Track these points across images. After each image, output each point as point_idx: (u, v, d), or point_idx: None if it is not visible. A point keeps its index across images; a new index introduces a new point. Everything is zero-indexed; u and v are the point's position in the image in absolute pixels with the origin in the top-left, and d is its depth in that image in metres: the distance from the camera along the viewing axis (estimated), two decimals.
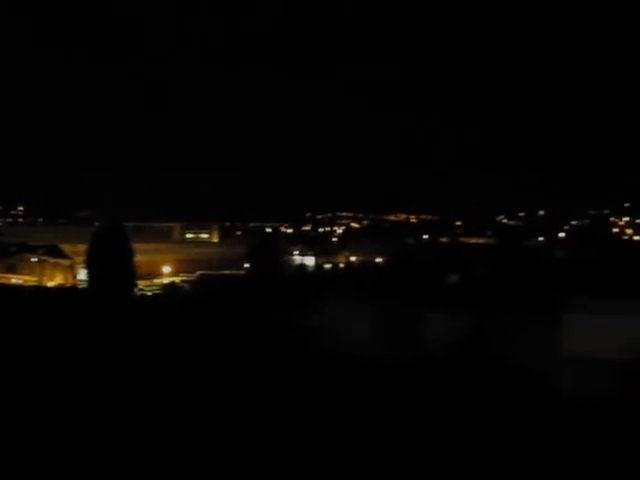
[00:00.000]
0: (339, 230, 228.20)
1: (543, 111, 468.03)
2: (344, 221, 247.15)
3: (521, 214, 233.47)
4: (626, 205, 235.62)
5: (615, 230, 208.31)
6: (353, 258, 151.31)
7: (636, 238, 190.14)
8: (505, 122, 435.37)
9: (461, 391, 33.43)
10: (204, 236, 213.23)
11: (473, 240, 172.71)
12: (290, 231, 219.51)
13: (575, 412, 29.04)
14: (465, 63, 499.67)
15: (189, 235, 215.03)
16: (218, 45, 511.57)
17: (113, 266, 63.96)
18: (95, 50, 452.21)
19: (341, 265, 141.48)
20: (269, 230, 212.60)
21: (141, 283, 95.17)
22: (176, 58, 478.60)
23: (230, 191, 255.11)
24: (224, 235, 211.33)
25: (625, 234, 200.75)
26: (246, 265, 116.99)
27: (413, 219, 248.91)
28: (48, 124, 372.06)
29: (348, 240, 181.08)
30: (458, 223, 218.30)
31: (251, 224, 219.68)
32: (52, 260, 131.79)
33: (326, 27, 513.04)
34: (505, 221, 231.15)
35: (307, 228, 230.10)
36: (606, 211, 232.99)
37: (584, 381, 36.92)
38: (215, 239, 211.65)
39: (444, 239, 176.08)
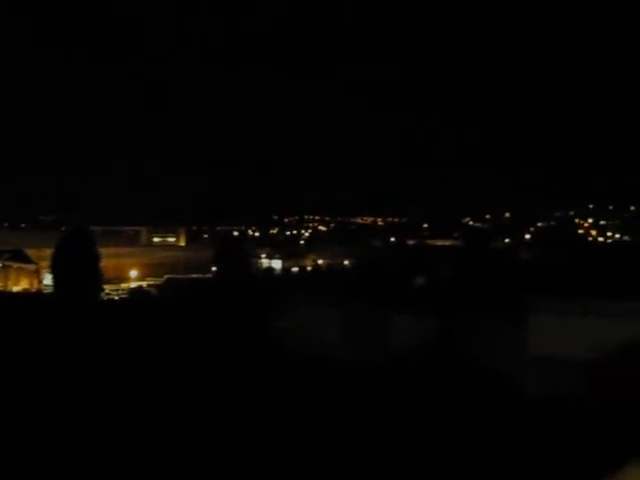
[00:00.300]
0: (306, 233, 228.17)
1: (510, 114, 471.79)
2: (311, 224, 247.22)
3: (487, 216, 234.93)
4: (590, 207, 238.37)
5: (580, 232, 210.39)
6: (320, 261, 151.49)
7: (600, 239, 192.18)
8: (476, 124, 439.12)
9: (429, 392, 33.65)
10: (171, 240, 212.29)
11: (440, 242, 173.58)
12: (257, 234, 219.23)
13: (540, 411, 29.35)
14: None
15: (156, 239, 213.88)
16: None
17: (79, 271, 63.45)
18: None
19: (308, 268, 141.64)
20: (236, 233, 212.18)
21: (108, 287, 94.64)
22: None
23: (197, 194, 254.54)
24: (191, 239, 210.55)
25: (590, 235, 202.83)
26: (213, 269, 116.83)
27: (380, 222, 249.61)
28: (13, 126, 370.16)
29: (315, 243, 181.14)
30: (425, 225, 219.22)
31: (218, 227, 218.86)
32: (16, 265, 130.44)
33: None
34: (471, 223, 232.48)
35: (274, 231, 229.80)
36: (571, 213, 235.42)
37: (549, 381, 37.32)
38: (182, 243, 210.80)
39: (411, 241, 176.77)
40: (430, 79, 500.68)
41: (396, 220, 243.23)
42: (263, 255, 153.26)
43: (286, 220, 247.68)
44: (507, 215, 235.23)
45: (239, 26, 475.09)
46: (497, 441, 23.90)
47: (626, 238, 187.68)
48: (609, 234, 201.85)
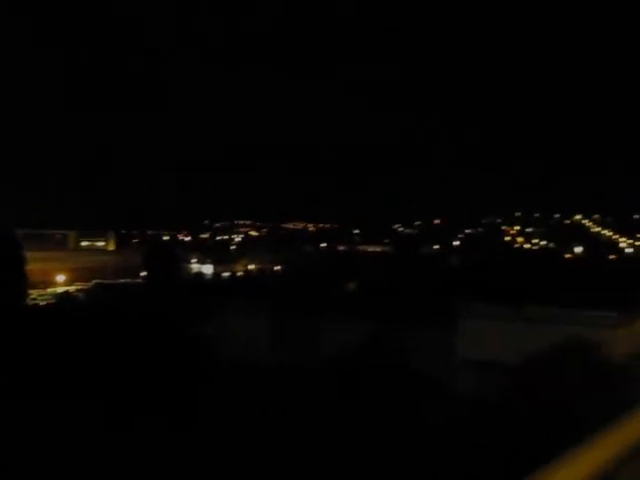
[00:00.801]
0: (238, 238, 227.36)
1: (438, 119, 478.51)
2: (242, 229, 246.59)
3: (417, 222, 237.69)
4: (517, 214, 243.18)
5: (507, 238, 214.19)
6: (251, 266, 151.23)
7: (526, 246, 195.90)
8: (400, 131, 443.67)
9: (358, 395, 33.89)
10: (100, 244, 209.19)
11: (370, 248, 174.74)
12: (188, 239, 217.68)
13: (469, 412, 29.80)
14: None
15: (84, 243, 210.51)
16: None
17: (3, 275, 62.19)
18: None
19: (239, 273, 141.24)
20: (166, 238, 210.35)
21: (34, 292, 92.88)
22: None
23: (127, 198, 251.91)
24: (121, 243, 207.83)
25: (516, 242, 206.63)
26: (143, 274, 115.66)
27: (311, 227, 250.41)
28: None
29: (246, 248, 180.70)
30: (356, 231, 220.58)
31: (148, 232, 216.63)
32: None
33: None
34: (402, 229, 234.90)
35: (205, 236, 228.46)
36: (498, 220, 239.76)
37: (478, 384, 37.97)
38: (111, 247, 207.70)
39: (342, 247, 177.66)
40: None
41: (327, 226, 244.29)
42: (194, 260, 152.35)
43: (217, 225, 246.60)
44: (436, 222, 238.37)
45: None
46: (426, 441, 24.25)
47: (551, 245, 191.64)
48: (535, 241, 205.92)
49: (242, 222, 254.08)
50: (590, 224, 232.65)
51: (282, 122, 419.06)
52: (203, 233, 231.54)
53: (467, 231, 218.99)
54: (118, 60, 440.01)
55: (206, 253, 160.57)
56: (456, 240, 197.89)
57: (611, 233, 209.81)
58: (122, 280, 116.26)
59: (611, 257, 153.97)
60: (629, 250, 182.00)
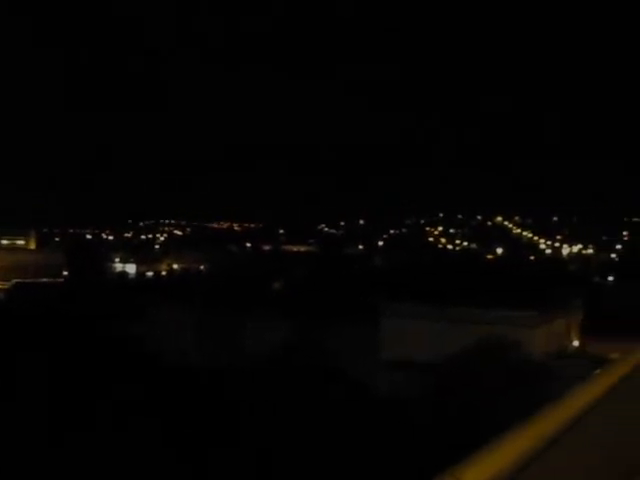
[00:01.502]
0: (162, 237, 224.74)
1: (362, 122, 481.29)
2: (167, 228, 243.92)
3: (342, 223, 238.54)
4: (440, 215, 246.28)
5: (430, 239, 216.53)
6: (176, 265, 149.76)
7: (449, 247, 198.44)
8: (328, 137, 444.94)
9: (284, 394, 34.00)
10: (20, 242, 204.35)
11: (295, 248, 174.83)
12: (111, 238, 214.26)
13: (391, 412, 30.19)
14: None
15: (4, 241, 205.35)
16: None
17: None
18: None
19: (163, 273, 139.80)
20: (89, 237, 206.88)
21: None
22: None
23: (49, 194, 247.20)
24: (42, 242, 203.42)
25: (439, 243, 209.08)
26: (65, 273, 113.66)
27: (236, 227, 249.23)
28: None
29: (171, 247, 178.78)
30: (281, 231, 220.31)
31: (70, 230, 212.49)
32: None
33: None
34: (327, 229, 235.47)
35: (129, 235, 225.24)
36: (422, 221, 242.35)
37: (400, 382, 38.45)
38: (32, 246, 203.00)
39: (267, 247, 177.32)
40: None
41: (252, 225, 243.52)
42: (117, 259, 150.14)
43: (141, 224, 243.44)
44: (361, 222, 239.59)
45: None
46: (347, 439, 24.51)
47: (473, 246, 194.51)
48: (457, 242, 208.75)
49: (167, 221, 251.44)
50: (511, 226, 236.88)
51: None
52: (127, 232, 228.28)
53: (391, 232, 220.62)
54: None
55: (130, 252, 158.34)
56: (380, 240, 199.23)
57: (531, 235, 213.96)
58: (43, 279, 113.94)
59: (531, 258, 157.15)
60: (548, 251, 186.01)
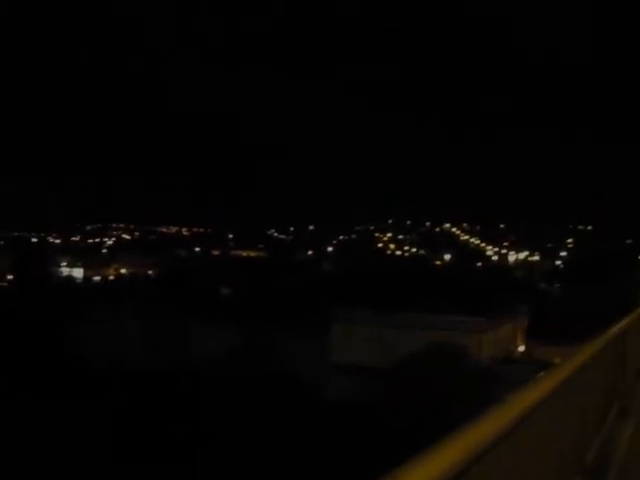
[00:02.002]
0: (110, 241, 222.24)
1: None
2: (115, 232, 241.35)
3: (291, 228, 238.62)
4: (389, 222, 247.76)
5: (379, 245, 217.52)
6: (123, 270, 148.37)
7: (398, 253, 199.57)
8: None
9: (231, 399, 33.98)
10: None
11: (245, 253, 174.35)
12: (58, 241, 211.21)
13: (338, 416, 30.31)
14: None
15: None
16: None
17: None
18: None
19: (111, 277, 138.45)
20: (35, 240, 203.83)
21: None
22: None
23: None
24: None
25: (388, 249, 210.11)
26: (9, 277, 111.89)
27: (185, 231, 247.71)
28: None
29: (119, 252, 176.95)
30: (230, 236, 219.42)
31: (15, 233, 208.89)
32: None
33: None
34: (276, 235, 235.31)
35: (76, 239, 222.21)
36: (371, 227, 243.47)
37: (349, 388, 38.65)
38: None
39: (216, 252, 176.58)
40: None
41: (201, 230, 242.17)
42: (64, 263, 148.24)
43: (88, 227, 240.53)
44: (311, 227, 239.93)
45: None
46: (294, 442, 24.58)
47: (422, 252, 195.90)
48: (406, 248, 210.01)
49: (114, 225, 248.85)
50: (459, 232, 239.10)
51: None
52: (74, 236, 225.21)
53: (340, 237, 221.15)
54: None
55: (77, 256, 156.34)
56: (330, 246, 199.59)
57: (479, 241, 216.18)
58: None
59: (478, 264, 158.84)
60: (495, 258, 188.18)
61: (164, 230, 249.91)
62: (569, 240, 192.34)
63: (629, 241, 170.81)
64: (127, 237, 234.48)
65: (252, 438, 27.25)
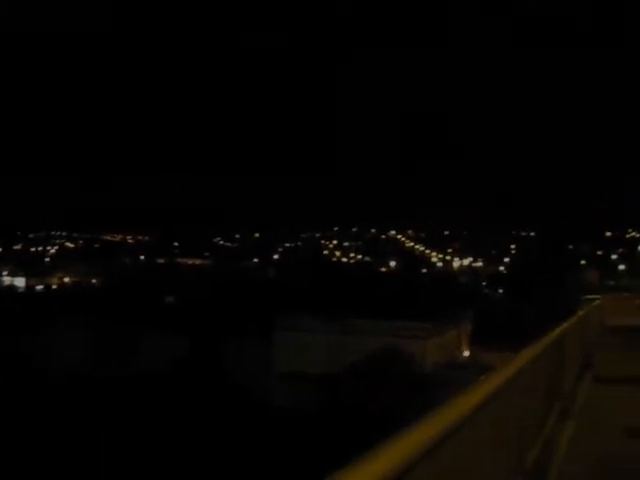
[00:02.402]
0: (53, 250, 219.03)
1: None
2: (58, 240, 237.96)
3: (237, 236, 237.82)
4: (335, 229, 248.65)
5: (325, 252, 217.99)
6: (67, 279, 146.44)
7: (344, 260, 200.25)
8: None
9: (176, 407, 33.81)
10: None
11: (190, 261, 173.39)
12: None
13: (284, 423, 30.35)
14: None
15: None
16: None
17: None
18: None
19: (54, 286, 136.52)
20: None
21: None
22: None
23: None
24: None
25: (334, 256, 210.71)
26: None
27: (130, 239, 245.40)
28: None
29: (62, 260, 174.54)
30: (175, 244, 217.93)
31: None
32: None
33: None
34: (222, 242, 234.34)
35: (18, 247, 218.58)
36: (317, 234, 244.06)
37: (294, 395, 38.67)
38: None
39: (161, 260, 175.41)
40: None
41: (146, 238, 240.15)
42: (5, 272, 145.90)
43: (31, 236, 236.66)
44: (256, 235, 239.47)
45: None
46: (238, 449, 24.59)
47: (367, 259, 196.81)
48: (352, 255, 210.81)
49: (58, 233, 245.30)
50: (404, 239, 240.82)
51: None
52: (16, 244, 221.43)
53: (286, 245, 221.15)
54: None
55: (19, 265, 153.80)
56: (275, 254, 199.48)
57: (424, 248, 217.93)
58: None
59: (423, 271, 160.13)
60: (440, 264, 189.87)
61: (108, 238, 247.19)
62: (512, 246, 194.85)
63: (570, 247, 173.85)
64: (70, 245, 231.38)
65: (191, 445, 27.17)
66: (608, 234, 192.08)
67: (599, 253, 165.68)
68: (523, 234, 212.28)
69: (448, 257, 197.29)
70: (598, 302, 34.03)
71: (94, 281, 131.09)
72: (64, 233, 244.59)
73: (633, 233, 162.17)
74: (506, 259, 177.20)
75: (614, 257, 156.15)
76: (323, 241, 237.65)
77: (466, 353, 59.24)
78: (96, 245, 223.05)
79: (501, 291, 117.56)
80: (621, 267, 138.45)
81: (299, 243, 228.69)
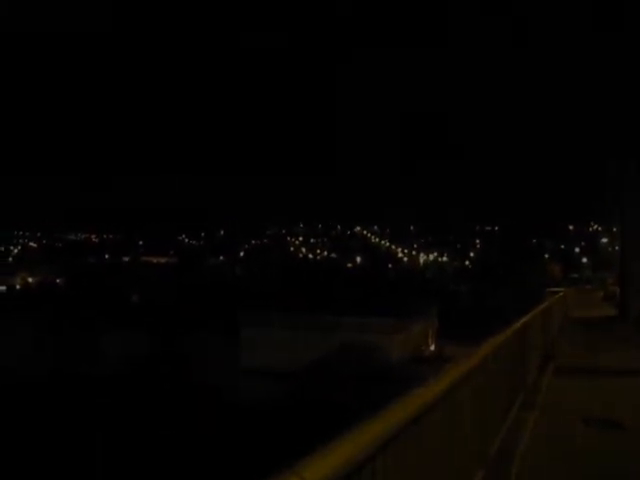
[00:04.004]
0: (16, 250, 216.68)
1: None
2: (21, 240, 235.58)
3: (202, 234, 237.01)
4: (301, 226, 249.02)
5: (291, 249, 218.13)
6: (31, 279, 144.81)
7: (310, 256, 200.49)
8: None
9: (139, 406, 33.71)
10: None
11: (155, 259, 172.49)
12: None
13: (250, 419, 30.39)
14: None
15: None
16: None
17: None
18: None
19: (17, 287, 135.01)
20: None
21: None
22: None
23: None
24: None
25: (300, 253, 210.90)
26: None
27: (94, 238, 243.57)
28: None
29: (25, 260, 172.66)
30: (140, 242, 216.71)
31: None
32: None
33: None
34: (187, 241, 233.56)
35: None
36: (283, 231, 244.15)
37: (259, 391, 38.73)
38: None
39: (126, 258, 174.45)
40: None
41: (111, 237, 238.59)
42: None
43: None
44: (221, 232, 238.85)
45: None
46: (201, 444, 24.58)
47: (333, 255, 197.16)
48: (318, 251, 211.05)
49: (21, 233, 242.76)
50: (370, 235, 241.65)
51: None
52: None
53: (252, 242, 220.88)
54: None
55: None
56: (241, 251, 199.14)
57: (389, 244, 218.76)
58: None
59: (389, 266, 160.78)
60: (406, 259, 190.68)
61: (73, 237, 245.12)
62: (477, 241, 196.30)
63: (534, 240, 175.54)
64: (34, 245, 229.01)
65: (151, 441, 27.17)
66: (570, 228, 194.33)
67: (562, 247, 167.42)
68: (487, 229, 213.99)
69: (414, 252, 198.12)
70: (561, 295, 34.49)
71: (58, 281, 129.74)
72: (27, 233, 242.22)
73: (595, 226, 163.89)
74: (471, 254, 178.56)
75: (577, 250, 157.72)
76: (289, 238, 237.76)
77: (432, 347, 59.61)
78: (59, 244, 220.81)
79: (466, 285, 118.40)
80: (584, 260, 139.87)
81: (265, 240, 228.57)
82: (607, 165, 50.87)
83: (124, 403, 34.92)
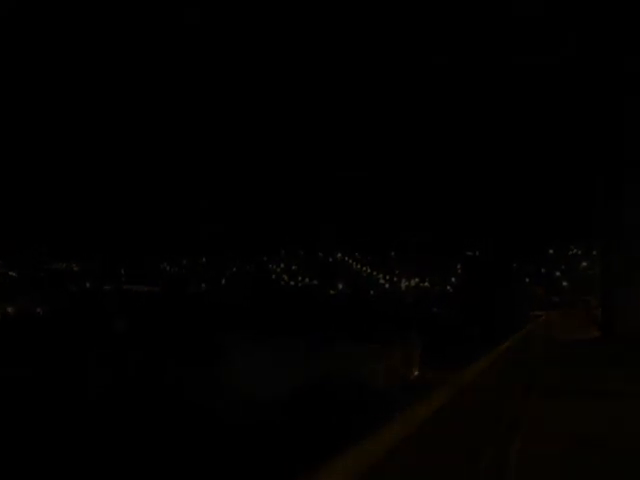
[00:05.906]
0: None
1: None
2: (1, 270, 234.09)
3: (184, 261, 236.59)
4: (282, 252, 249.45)
5: (273, 276, 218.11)
6: (10, 309, 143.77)
7: (292, 283, 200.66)
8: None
9: (126, 433, 33.51)
10: None
11: (137, 288, 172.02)
12: None
13: (236, 441, 30.29)
14: None
15: None
16: None
17: None
18: None
19: None
20: None
21: None
22: None
23: None
24: None
25: (282, 279, 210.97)
26: None
27: (75, 267, 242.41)
28: None
29: (5, 289, 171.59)
30: (122, 271, 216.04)
31: None
32: None
33: None
34: (169, 268, 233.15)
35: None
36: (264, 258, 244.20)
37: (243, 413, 38.60)
38: None
39: (108, 287, 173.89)
40: None
41: (92, 265, 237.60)
42: None
43: None
44: (203, 260, 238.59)
45: None
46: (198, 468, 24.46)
47: (315, 282, 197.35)
48: (300, 278, 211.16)
49: (0, 262, 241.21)
50: (351, 261, 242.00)
51: None
52: None
53: (234, 269, 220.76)
54: None
55: None
56: (223, 278, 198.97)
57: (370, 270, 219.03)
58: None
59: (371, 292, 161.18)
60: (387, 285, 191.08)
61: (53, 266, 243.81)
62: (458, 266, 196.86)
63: (514, 265, 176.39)
64: (13, 274, 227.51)
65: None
66: (550, 252, 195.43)
67: (542, 270, 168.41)
68: (469, 254, 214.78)
69: (395, 278, 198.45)
70: (543, 318, 34.74)
71: (39, 310, 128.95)
72: (5, 262, 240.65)
73: (575, 250, 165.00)
74: (453, 279, 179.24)
75: (557, 274, 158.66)
76: (271, 265, 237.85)
77: (416, 372, 59.55)
78: (40, 274, 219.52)
79: (449, 310, 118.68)
80: (564, 284, 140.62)
81: (247, 267, 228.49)
82: (596, 182, 50.97)
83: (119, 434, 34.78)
